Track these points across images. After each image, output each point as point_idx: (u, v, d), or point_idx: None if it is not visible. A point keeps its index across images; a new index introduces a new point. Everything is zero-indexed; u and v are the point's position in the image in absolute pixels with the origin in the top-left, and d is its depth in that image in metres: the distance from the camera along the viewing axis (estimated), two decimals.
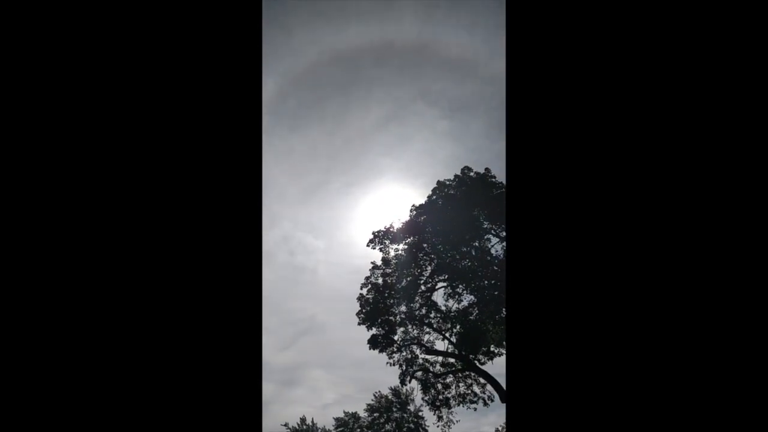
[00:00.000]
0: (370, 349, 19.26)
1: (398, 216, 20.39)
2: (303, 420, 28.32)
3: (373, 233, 20.29)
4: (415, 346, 19.58)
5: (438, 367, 19.84)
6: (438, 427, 19.81)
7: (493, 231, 18.72)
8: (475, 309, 18.43)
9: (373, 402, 25.30)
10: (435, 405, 19.68)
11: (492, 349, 18.57)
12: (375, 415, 24.98)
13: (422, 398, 19.95)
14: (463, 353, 18.71)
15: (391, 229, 20.13)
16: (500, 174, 19.18)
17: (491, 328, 18.09)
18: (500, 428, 24.90)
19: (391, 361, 19.42)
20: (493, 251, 18.65)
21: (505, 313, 17.39)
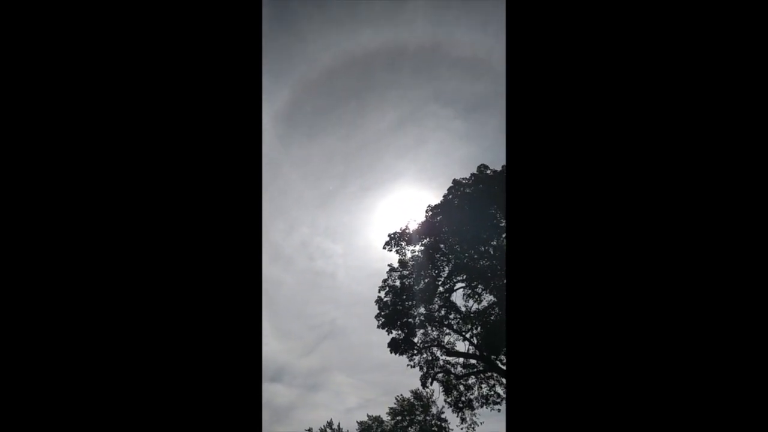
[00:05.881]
0: (390, 352, 19.18)
1: (414, 218, 20.22)
2: (330, 424, 28.38)
3: (389, 235, 20.23)
4: (435, 348, 19.41)
5: (459, 368, 19.58)
6: (462, 429, 19.60)
7: None
8: (496, 309, 18.14)
9: (395, 405, 25.19)
10: (458, 407, 19.44)
11: None
12: (398, 418, 24.84)
13: (444, 400, 19.74)
14: (485, 354, 18.42)
15: (407, 231, 20.02)
16: None
17: None
18: None
19: (412, 363, 19.32)
20: None
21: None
